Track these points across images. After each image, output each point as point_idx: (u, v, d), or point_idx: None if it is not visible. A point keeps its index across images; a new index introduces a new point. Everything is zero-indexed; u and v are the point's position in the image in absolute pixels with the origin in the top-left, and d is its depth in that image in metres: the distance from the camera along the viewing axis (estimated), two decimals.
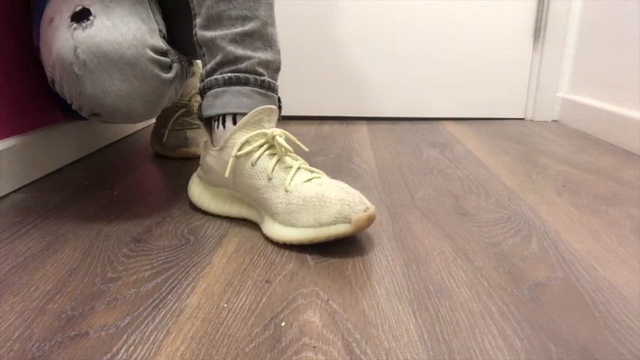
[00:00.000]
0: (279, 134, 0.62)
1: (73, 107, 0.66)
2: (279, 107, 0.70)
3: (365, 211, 0.56)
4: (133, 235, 0.63)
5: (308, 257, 0.57)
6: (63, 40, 0.60)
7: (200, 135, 1.02)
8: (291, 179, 0.61)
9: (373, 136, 1.24)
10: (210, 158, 0.68)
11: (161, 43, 0.66)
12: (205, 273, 0.53)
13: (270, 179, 0.61)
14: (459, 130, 1.34)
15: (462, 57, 1.44)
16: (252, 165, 0.62)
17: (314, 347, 0.41)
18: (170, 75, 0.67)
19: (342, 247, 0.60)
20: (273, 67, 0.68)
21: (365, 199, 0.58)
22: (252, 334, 0.43)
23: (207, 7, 0.63)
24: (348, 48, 1.42)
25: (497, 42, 1.43)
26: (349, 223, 0.56)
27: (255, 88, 0.65)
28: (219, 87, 0.65)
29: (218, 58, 0.65)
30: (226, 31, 0.64)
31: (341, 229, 0.56)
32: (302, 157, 1.02)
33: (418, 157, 1.03)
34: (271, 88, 0.67)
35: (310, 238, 0.58)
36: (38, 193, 0.79)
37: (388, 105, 1.47)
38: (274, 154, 0.63)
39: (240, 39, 0.64)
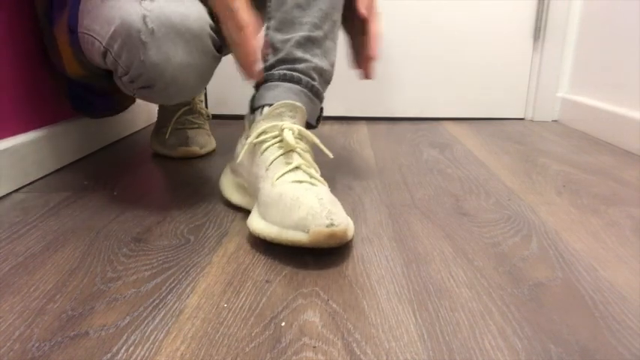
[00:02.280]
0: (289, 128, 0.63)
1: (125, 79, 0.66)
2: (320, 117, 0.77)
3: (327, 226, 0.53)
4: (133, 235, 0.63)
5: (308, 257, 0.57)
6: (130, 9, 0.61)
7: (200, 134, 1.02)
8: (282, 175, 0.61)
9: (373, 136, 1.24)
10: (238, 146, 0.73)
11: (214, 25, 0.69)
12: (205, 273, 0.53)
13: (266, 170, 0.63)
14: (459, 130, 1.34)
15: (462, 57, 1.44)
16: (261, 154, 0.64)
17: (314, 347, 0.41)
18: (221, 55, 0.71)
19: (342, 248, 0.60)
20: (325, 77, 0.73)
21: (339, 217, 0.54)
22: (252, 334, 0.43)
23: (283, 12, 0.70)
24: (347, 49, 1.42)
25: (497, 42, 1.43)
26: (307, 233, 0.53)
27: (304, 90, 0.69)
28: (273, 81, 0.69)
29: (280, 55, 0.70)
30: (294, 34, 0.69)
31: (297, 236, 0.54)
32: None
33: (418, 157, 1.03)
34: (318, 95, 0.72)
35: (272, 236, 0.57)
36: (38, 193, 0.79)
37: (388, 105, 1.47)
38: (282, 148, 0.63)
39: (304, 42, 0.70)
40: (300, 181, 0.60)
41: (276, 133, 0.64)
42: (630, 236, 0.64)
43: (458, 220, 0.69)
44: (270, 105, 0.67)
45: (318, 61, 0.70)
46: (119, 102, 0.96)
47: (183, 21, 0.62)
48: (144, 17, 0.61)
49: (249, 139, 0.65)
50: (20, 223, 0.67)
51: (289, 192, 0.58)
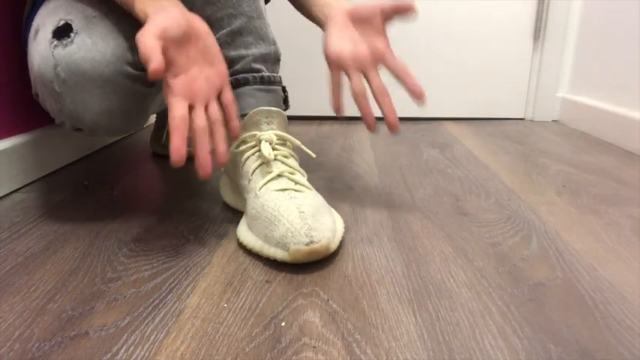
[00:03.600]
0: (266, 139, 0.62)
1: (56, 122, 0.66)
2: (286, 97, 0.71)
3: (307, 244, 0.53)
4: (133, 235, 0.63)
5: None
6: (44, 57, 0.60)
7: None
8: (264, 184, 0.60)
9: (373, 136, 1.24)
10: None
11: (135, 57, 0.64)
12: (205, 273, 0.53)
13: (249, 181, 0.63)
14: (459, 130, 1.34)
15: (462, 57, 1.44)
16: (242, 164, 0.64)
17: (314, 347, 0.41)
18: (154, 88, 0.67)
19: (341, 248, 0.60)
20: (271, 60, 0.67)
21: (319, 233, 0.54)
22: (252, 334, 0.43)
23: (195, 13, 0.61)
24: None
25: (497, 42, 1.43)
26: (287, 251, 0.54)
27: (256, 86, 0.65)
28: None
29: None
30: (216, 34, 0.64)
31: (279, 254, 0.55)
32: (306, 162, 1.02)
33: (418, 157, 1.03)
34: (272, 82, 0.67)
35: (257, 249, 0.57)
36: (38, 193, 0.79)
37: None
38: (261, 157, 0.62)
39: (231, 39, 0.64)
40: (284, 189, 0.59)
41: (254, 143, 0.63)
42: (630, 236, 0.64)
43: (458, 220, 0.69)
44: (244, 115, 0.65)
45: (254, 50, 0.65)
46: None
47: (94, 67, 0.59)
48: (55, 67, 0.59)
49: (231, 148, 0.65)
50: (20, 223, 0.67)
51: (270, 204, 0.57)
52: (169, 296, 0.49)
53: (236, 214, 0.70)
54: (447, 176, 0.90)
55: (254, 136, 0.63)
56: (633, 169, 0.94)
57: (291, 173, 0.62)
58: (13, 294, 0.49)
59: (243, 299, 0.48)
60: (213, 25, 0.64)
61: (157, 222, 0.67)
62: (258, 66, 0.66)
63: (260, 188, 0.60)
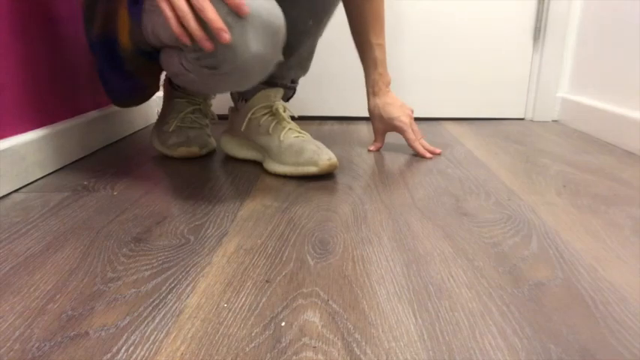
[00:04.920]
0: (280, 107, 0.92)
1: (192, 55, 0.70)
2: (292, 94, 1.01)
3: (328, 160, 0.85)
4: (133, 235, 0.63)
5: (308, 257, 0.57)
6: None
7: (201, 135, 1.02)
8: (284, 133, 0.89)
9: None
10: (235, 117, 0.97)
11: None
12: (205, 273, 0.53)
13: (270, 134, 0.91)
14: (459, 130, 1.34)
15: (462, 57, 1.44)
16: (259, 125, 0.92)
17: (314, 347, 0.41)
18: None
19: (341, 247, 0.60)
20: (301, 74, 0.99)
21: (331, 154, 0.86)
22: (252, 334, 0.43)
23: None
24: (348, 49, 1.42)
25: (497, 42, 1.43)
26: (317, 166, 0.85)
27: (281, 88, 0.95)
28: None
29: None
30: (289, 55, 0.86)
31: (311, 169, 0.85)
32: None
33: (418, 157, 1.03)
34: (293, 87, 1.00)
35: (291, 172, 0.87)
36: (38, 193, 0.79)
37: None
38: (275, 118, 0.91)
39: (296, 63, 0.95)
40: (297, 136, 0.90)
41: (268, 110, 0.92)
42: (630, 236, 0.64)
43: (458, 220, 0.69)
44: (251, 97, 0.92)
45: (293, 74, 0.96)
46: (141, 88, 0.96)
47: (270, 13, 0.66)
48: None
49: (249, 115, 0.91)
50: (20, 223, 0.67)
51: (294, 142, 0.88)
52: (169, 296, 0.49)
53: (236, 215, 0.70)
54: (447, 176, 0.90)
55: (268, 105, 0.92)
56: (633, 169, 0.94)
57: (295, 127, 0.92)
58: (13, 294, 0.49)
59: (243, 299, 0.48)
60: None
61: (157, 222, 0.67)
62: (288, 82, 0.96)
63: (281, 136, 0.89)
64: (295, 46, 0.88)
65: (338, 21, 1.39)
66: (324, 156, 0.85)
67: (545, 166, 0.96)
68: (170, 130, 1.00)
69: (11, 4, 0.81)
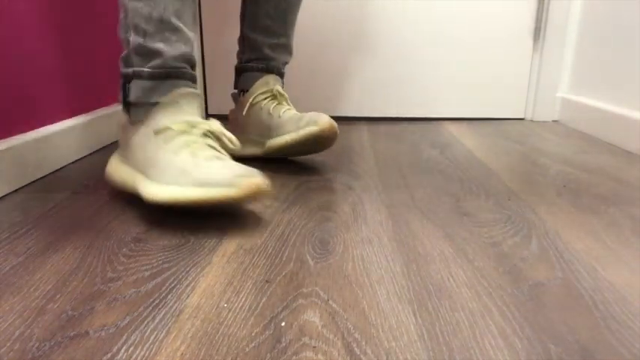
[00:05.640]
0: (280, 89, 0.97)
1: None
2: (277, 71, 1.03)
3: (329, 120, 0.88)
4: (133, 235, 0.63)
5: (308, 257, 0.57)
6: None
7: None
8: (285, 112, 0.93)
9: (373, 137, 1.24)
10: (236, 113, 1.01)
11: None
12: (205, 273, 0.53)
13: (270, 114, 0.95)
14: (459, 130, 1.34)
15: (462, 57, 1.44)
16: (261, 108, 0.96)
17: (314, 347, 0.41)
18: None
19: (341, 247, 0.60)
20: (288, 58, 1.03)
21: (327, 118, 0.89)
22: (252, 334, 0.43)
23: (256, 18, 0.99)
24: (347, 49, 1.42)
25: (497, 42, 1.43)
26: (317, 125, 0.87)
27: (275, 75, 1.00)
28: (253, 72, 0.99)
29: (256, 54, 0.99)
30: (267, 39, 0.99)
31: (312, 129, 0.87)
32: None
33: (418, 157, 1.03)
34: (283, 70, 1.03)
35: (292, 138, 0.89)
36: (38, 193, 0.79)
37: (388, 105, 1.47)
38: (275, 100, 0.96)
39: (275, 46, 1.00)
40: (288, 109, 0.95)
41: (269, 94, 0.96)
42: (630, 236, 0.64)
43: (458, 220, 0.69)
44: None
45: (284, 57, 1.01)
46: None
47: None
48: None
49: (250, 100, 0.96)
50: (20, 223, 0.67)
51: (295, 114, 0.92)
52: (169, 296, 0.49)
53: (236, 214, 0.70)
54: (447, 176, 0.90)
55: (269, 90, 0.96)
56: (633, 169, 0.94)
57: (291, 107, 0.98)
58: (13, 294, 0.49)
59: (243, 299, 0.48)
60: (267, 31, 0.97)
61: (157, 222, 0.67)
62: (281, 66, 1.01)
63: (281, 113, 0.93)
64: (286, 27, 0.98)
65: (338, 22, 1.40)
66: (324, 117, 0.88)
67: (545, 166, 0.96)
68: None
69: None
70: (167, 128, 0.70)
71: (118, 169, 0.75)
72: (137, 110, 0.74)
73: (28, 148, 0.82)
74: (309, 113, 0.90)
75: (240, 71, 1.01)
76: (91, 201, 0.76)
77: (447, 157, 1.03)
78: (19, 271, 0.54)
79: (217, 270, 0.54)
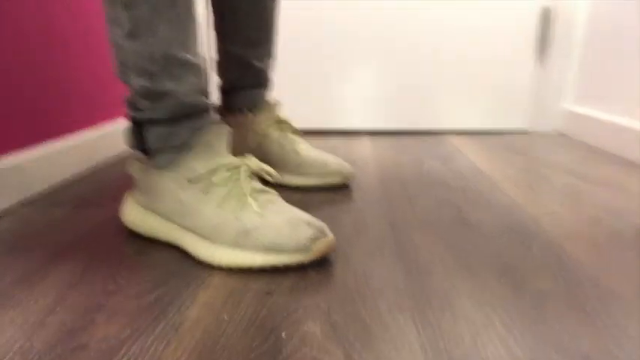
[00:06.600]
0: (280, 116, 0.95)
1: None
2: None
3: (351, 172, 0.91)
4: (135, 248, 0.63)
5: (309, 269, 0.57)
6: None
7: None
8: (301, 148, 0.93)
9: (376, 149, 1.24)
10: (236, 134, 0.95)
11: None
12: (206, 285, 0.53)
13: (281, 145, 0.93)
14: (462, 142, 1.34)
15: (466, 69, 1.44)
16: (271, 141, 0.93)
17: (314, 358, 0.41)
18: None
19: (343, 259, 0.60)
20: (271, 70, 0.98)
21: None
22: (253, 346, 0.43)
23: (238, 39, 0.91)
24: (350, 62, 1.43)
25: (501, 54, 1.43)
26: (340, 178, 0.90)
27: (266, 91, 0.97)
28: (249, 89, 0.95)
29: (250, 71, 0.93)
30: (255, 61, 0.94)
31: (337, 180, 0.90)
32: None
33: (420, 169, 1.03)
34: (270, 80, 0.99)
35: (318, 184, 0.90)
36: (39, 207, 0.79)
37: (391, 118, 1.48)
38: (279, 128, 0.94)
39: (260, 58, 0.95)
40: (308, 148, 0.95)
41: (272, 121, 0.93)
42: (633, 247, 0.63)
43: (460, 230, 0.69)
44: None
45: (270, 62, 0.95)
46: None
47: None
48: None
49: (258, 132, 0.93)
50: (21, 237, 0.67)
51: (314, 154, 0.93)
52: (170, 308, 0.49)
53: None
54: (449, 187, 0.89)
55: (273, 117, 0.94)
56: (636, 180, 0.94)
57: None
58: (14, 307, 0.49)
59: (244, 311, 0.48)
60: (256, 48, 0.92)
61: None
62: (268, 82, 0.96)
63: (301, 151, 0.92)
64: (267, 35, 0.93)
65: (341, 37, 1.41)
66: (347, 167, 0.91)
67: (549, 177, 0.96)
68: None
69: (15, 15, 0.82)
70: (203, 177, 0.62)
71: (144, 219, 0.67)
72: (161, 156, 0.65)
73: (30, 163, 0.83)
74: (331, 159, 0.91)
75: (229, 91, 0.94)
76: (93, 215, 0.76)
77: (449, 169, 1.03)
78: (20, 285, 0.54)
79: (218, 281, 0.54)
